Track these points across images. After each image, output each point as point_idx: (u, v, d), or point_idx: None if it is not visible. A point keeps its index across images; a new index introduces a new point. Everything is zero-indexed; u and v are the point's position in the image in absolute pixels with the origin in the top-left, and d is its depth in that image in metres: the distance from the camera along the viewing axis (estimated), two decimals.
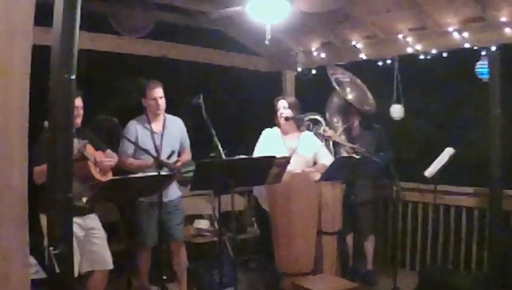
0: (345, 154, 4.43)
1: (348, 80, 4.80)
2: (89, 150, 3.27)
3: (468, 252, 4.62)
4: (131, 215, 4.03)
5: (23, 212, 1.97)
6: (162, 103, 3.95)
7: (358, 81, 4.91)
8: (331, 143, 4.53)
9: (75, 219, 3.18)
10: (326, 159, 4.10)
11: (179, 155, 4.05)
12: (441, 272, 4.34)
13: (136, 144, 3.73)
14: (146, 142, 3.85)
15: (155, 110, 3.95)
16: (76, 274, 3.23)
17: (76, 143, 3.08)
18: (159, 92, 3.93)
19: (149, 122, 3.97)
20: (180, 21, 5.02)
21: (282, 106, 4.17)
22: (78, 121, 3.35)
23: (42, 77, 2.09)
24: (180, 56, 4.94)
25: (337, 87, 4.63)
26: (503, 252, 4.05)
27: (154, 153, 3.67)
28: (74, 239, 3.14)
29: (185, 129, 4.16)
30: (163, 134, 3.97)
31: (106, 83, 5.20)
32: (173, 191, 4.00)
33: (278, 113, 4.17)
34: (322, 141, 4.29)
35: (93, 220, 3.42)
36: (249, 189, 5.12)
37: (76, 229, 3.23)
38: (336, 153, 4.55)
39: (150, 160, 3.59)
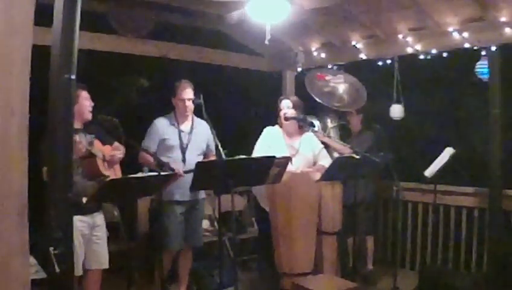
0: (336, 155, 4.43)
1: (330, 77, 4.73)
2: (97, 146, 3.28)
3: (468, 252, 4.62)
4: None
5: (23, 212, 1.97)
6: (190, 104, 3.93)
7: (348, 78, 4.83)
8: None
9: (84, 218, 3.23)
10: (326, 160, 4.11)
11: (205, 158, 4.06)
12: (441, 272, 4.34)
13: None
14: (173, 140, 3.87)
15: (183, 112, 3.95)
16: (80, 273, 3.23)
17: (84, 141, 3.09)
18: (189, 93, 3.91)
19: (177, 121, 3.98)
20: (180, 21, 5.01)
21: (286, 105, 4.14)
22: (89, 115, 3.37)
23: (42, 77, 2.09)
24: (180, 56, 4.94)
25: (317, 99, 4.49)
26: (503, 252, 4.05)
27: (179, 152, 3.80)
28: (81, 238, 3.19)
29: (211, 133, 4.07)
30: (191, 134, 3.98)
31: (106, 83, 5.20)
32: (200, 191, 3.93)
33: (281, 113, 4.13)
34: None
35: (100, 218, 3.44)
36: (249, 189, 5.12)
37: (84, 227, 3.25)
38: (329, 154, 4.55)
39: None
